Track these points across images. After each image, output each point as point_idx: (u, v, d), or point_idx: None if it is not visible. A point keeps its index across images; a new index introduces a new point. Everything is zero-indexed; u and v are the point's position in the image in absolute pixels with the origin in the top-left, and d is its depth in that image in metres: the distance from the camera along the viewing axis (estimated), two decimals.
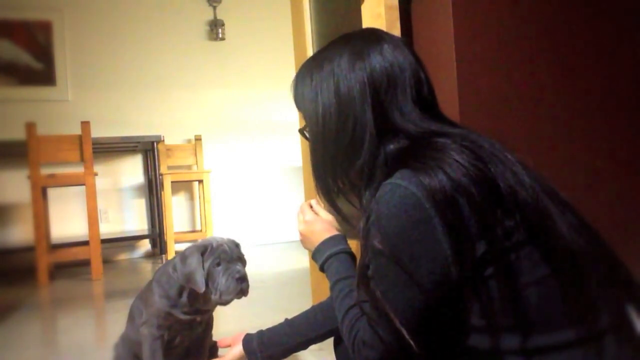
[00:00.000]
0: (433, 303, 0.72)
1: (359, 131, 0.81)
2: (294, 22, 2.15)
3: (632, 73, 1.62)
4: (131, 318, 1.43)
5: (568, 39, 1.53)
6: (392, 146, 0.80)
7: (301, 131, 0.93)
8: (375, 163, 0.81)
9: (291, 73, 2.59)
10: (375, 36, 0.86)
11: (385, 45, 0.83)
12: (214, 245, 1.30)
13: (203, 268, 1.26)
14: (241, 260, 1.32)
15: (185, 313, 1.32)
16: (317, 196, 0.95)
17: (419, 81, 0.84)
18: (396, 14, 1.52)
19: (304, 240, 1.09)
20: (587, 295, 0.70)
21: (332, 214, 1.08)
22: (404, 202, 0.71)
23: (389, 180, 0.74)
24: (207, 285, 1.26)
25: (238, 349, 1.20)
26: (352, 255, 1.01)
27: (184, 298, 1.31)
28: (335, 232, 1.05)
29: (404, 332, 0.72)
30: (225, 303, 1.30)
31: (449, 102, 1.44)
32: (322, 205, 1.11)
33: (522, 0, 1.48)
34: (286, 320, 1.22)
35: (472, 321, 0.72)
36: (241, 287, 1.27)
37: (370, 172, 0.81)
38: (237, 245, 1.34)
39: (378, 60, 0.81)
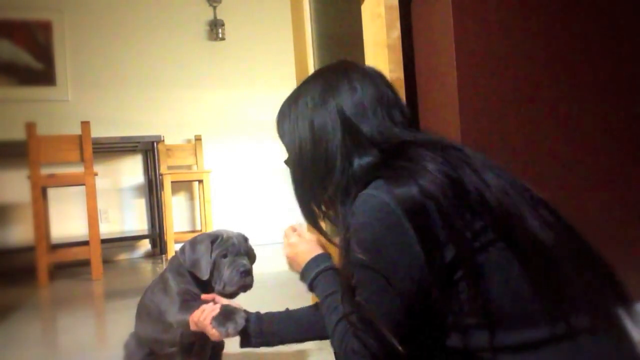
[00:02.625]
0: (412, 306, 0.76)
1: (332, 155, 0.87)
2: (294, 22, 2.15)
3: (633, 73, 1.62)
4: (143, 315, 1.42)
5: (568, 38, 1.53)
6: (366, 160, 0.85)
7: (286, 162, 1.00)
8: (349, 179, 0.86)
9: (291, 73, 2.61)
10: (344, 69, 0.93)
11: (353, 75, 0.90)
12: (224, 236, 1.32)
13: (210, 257, 1.28)
14: (249, 255, 1.36)
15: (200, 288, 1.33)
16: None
17: (388, 102, 0.90)
18: (396, 14, 1.52)
19: (291, 264, 1.14)
20: (559, 291, 0.71)
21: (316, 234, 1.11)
22: (377, 210, 0.76)
23: (363, 192, 0.79)
24: (211, 274, 1.27)
25: None
26: (338, 271, 1.04)
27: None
28: (320, 251, 1.10)
29: (390, 336, 0.76)
30: (228, 295, 1.30)
31: (449, 102, 1.44)
32: (306, 226, 1.16)
33: (522, 0, 1.48)
34: (287, 310, 1.22)
35: (449, 322, 0.75)
36: (245, 281, 1.29)
37: (346, 189, 0.86)
38: (245, 240, 1.38)
39: (346, 91, 0.89)
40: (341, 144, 0.86)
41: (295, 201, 0.98)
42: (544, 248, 0.73)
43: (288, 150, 0.96)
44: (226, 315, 1.14)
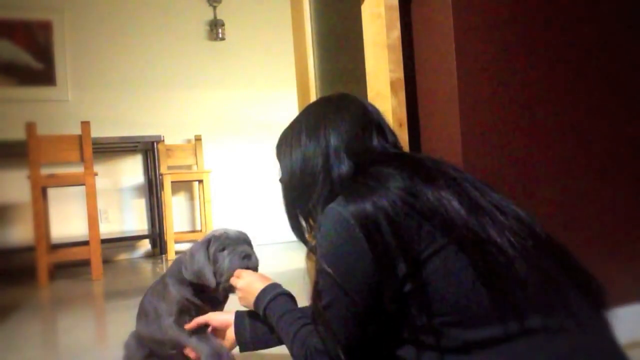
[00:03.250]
0: (364, 315, 0.84)
1: (317, 172, 0.97)
2: (294, 22, 2.15)
3: (633, 74, 1.62)
4: (143, 315, 1.42)
5: (568, 38, 1.53)
6: (342, 168, 0.95)
7: (280, 180, 1.09)
8: (329, 188, 0.95)
9: (291, 73, 2.60)
10: (335, 102, 1.04)
11: (342, 111, 1.01)
12: (217, 234, 1.32)
13: (210, 263, 1.28)
14: (248, 244, 1.34)
15: (201, 299, 1.34)
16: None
17: (371, 127, 1.00)
18: (396, 14, 1.52)
19: (244, 301, 1.22)
20: (514, 291, 0.74)
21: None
22: (336, 222, 0.84)
23: (328, 206, 0.88)
24: (214, 271, 1.28)
25: (230, 335, 1.25)
26: (286, 295, 1.17)
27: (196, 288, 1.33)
28: (267, 283, 1.20)
29: (337, 342, 0.84)
30: (231, 287, 1.29)
31: (449, 101, 1.44)
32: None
33: (521, 0, 1.48)
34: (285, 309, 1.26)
35: (403, 335, 0.81)
36: (247, 264, 1.28)
37: (326, 200, 0.93)
38: (242, 233, 1.36)
39: (336, 127, 0.99)
40: (324, 162, 0.97)
41: (287, 220, 1.08)
42: (501, 251, 0.77)
43: (282, 172, 1.06)
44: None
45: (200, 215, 4.65)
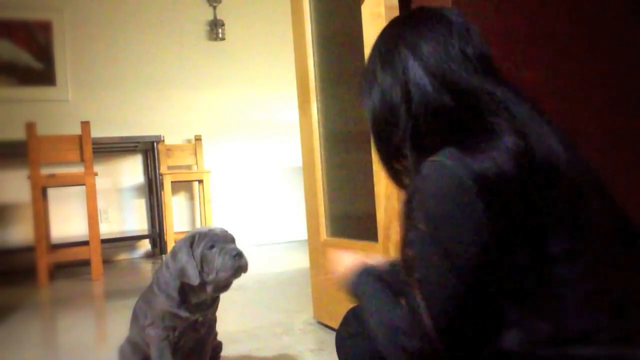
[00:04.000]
0: (470, 292, 0.70)
1: (396, 105, 0.82)
2: (294, 22, 2.15)
3: (634, 73, 1.62)
4: (135, 320, 1.43)
5: (568, 38, 1.53)
6: (426, 100, 0.78)
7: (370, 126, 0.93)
8: (414, 124, 0.79)
9: (291, 73, 2.60)
10: (418, 19, 0.86)
11: (421, 27, 0.84)
12: (202, 231, 1.30)
13: (194, 259, 1.26)
14: (234, 242, 1.32)
15: (187, 310, 1.32)
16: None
17: (457, 45, 0.82)
18: (396, 14, 1.51)
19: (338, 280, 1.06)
20: (613, 280, 0.68)
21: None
22: (451, 184, 0.69)
23: (435, 158, 0.72)
24: (202, 269, 1.26)
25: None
26: (375, 277, 0.97)
27: (182, 295, 1.31)
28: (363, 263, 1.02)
29: (433, 322, 0.70)
30: (224, 284, 1.29)
31: None
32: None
33: (521, 0, 1.48)
34: None
35: (509, 317, 0.69)
36: (239, 264, 1.26)
37: (415, 134, 0.79)
38: (227, 231, 1.34)
39: (411, 51, 0.82)
40: (402, 92, 0.80)
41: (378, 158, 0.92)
42: (604, 233, 0.69)
43: (366, 113, 0.91)
44: None
45: (200, 215, 4.65)
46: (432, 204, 0.70)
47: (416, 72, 0.80)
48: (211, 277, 1.27)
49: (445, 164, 0.70)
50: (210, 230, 1.31)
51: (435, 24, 0.83)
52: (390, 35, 0.87)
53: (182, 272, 1.28)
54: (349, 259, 1.05)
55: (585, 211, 0.70)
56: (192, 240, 1.29)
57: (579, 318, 0.66)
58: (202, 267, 1.27)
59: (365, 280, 0.94)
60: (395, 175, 0.90)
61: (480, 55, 0.83)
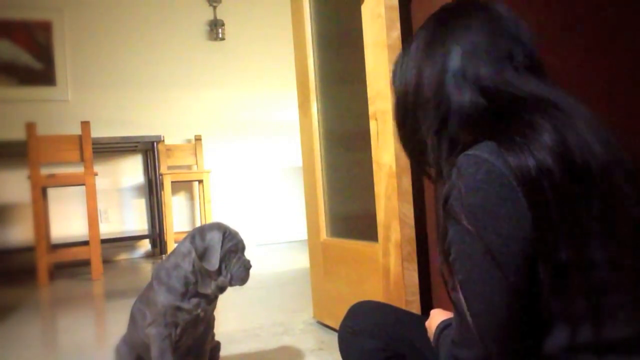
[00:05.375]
0: (518, 291, 0.67)
1: (430, 98, 0.80)
2: (294, 22, 2.15)
3: (634, 72, 1.62)
4: (132, 320, 1.42)
5: (568, 39, 1.53)
6: (465, 97, 0.76)
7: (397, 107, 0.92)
8: (442, 120, 0.78)
9: (291, 73, 2.60)
10: (462, 9, 0.84)
11: (470, 19, 0.81)
12: (232, 230, 1.35)
13: (221, 249, 1.30)
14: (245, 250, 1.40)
15: (191, 298, 1.33)
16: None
17: (505, 45, 0.80)
18: (396, 14, 1.51)
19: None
20: None
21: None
22: (491, 177, 0.67)
23: (471, 152, 0.70)
24: (219, 267, 1.30)
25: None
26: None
27: (190, 276, 1.32)
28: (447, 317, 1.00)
29: (477, 325, 0.69)
30: (226, 287, 1.34)
31: None
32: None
33: (521, 0, 1.48)
34: None
35: (555, 313, 0.67)
36: (248, 275, 1.34)
37: (443, 129, 0.78)
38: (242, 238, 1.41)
39: (472, 39, 0.79)
40: (437, 87, 0.79)
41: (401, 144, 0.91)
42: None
43: (397, 94, 0.88)
44: None
45: (200, 215, 4.65)
46: (472, 197, 0.68)
47: (456, 68, 0.78)
48: (222, 278, 1.31)
49: (483, 157, 0.68)
50: (237, 234, 1.36)
51: (484, 17, 0.81)
52: (441, 19, 0.84)
53: (205, 253, 1.30)
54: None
55: (623, 215, 0.69)
56: (225, 232, 1.33)
57: (621, 326, 0.65)
58: (221, 263, 1.31)
59: (441, 327, 0.91)
60: (420, 165, 0.89)
61: (528, 53, 0.81)
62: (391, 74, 0.91)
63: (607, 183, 0.69)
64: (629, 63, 1.62)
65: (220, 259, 1.30)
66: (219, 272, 1.30)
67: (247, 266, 1.33)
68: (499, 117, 0.74)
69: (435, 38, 0.82)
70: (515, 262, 0.66)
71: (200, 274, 1.31)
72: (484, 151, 0.69)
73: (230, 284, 1.32)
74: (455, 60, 0.78)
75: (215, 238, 1.31)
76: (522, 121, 0.71)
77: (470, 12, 0.82)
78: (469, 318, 0.69)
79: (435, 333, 0.92)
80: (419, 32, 0.86)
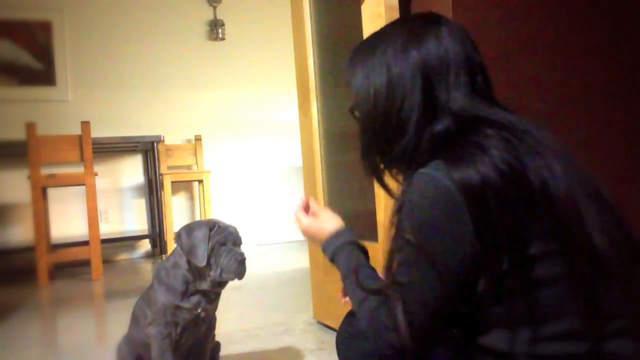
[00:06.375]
0: (450, 300, 0.73)
1: (407, 112, 0.81)
2: (294, 22, 2.15)
3: (634, 71, 1.62)
4: (134, 320, 1.43)
5: (568, 37, 1.53)
6: (438, 127, 0.79)
7: (350, 111, 0.93)
8: (419, 143, 0.80)
9: (291, 73, 2.60)
10: (433, 21, 0.85)
11: (442, 28, 0.83)
12: (221, 225, 1.33)
13: (207, 244, 1.29)
14: (241, 243, 1.37)
15: (191, 296, 1.32)
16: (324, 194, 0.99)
17: (473, 67, 0.83)
18: (396, 14, 1.51)
19: (311, 239, 1.11)
20: (605, 311, 0.69)
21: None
22: (437, 193, 0.72)
23: (422, 170, 0.75)
24: (208, 261, 1.28)
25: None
26: (357, 245, 1.02)
27: (187, 274, 1.31)
28: (337, 225, 1.05)
29: (410, 326, 0.74)
30: (223, 282, 1.32)
31: None
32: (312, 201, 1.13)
33: (521, 0, 1.48)
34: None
35: (492, 318, 0.73)
36: (241, 269, 1.31)
37: (413, 153, 0.81)
38: (236, 230, 1.38)
39: (432, 44, 0.81)
40: (418, 106, 0.80)
41: (360, 152, 0.91)
42: (596, 253, 0.70)
43: (358, 97, 0.88)
44: None
45: (200, 215, 4.64)
46: (419, 213, 0.73)
47: (427, 93, 0.80)
48: (213, 272, 1.29)
49: (431, 175, 0.73)
50: (227, 227, 1.34)
51: (441, 36, 0.82)
52: (395, 38, 0.84)
53: (192, 249, 1.29)
54: (321, 219, 1.07)
55: (570, 220, 0.71)
56: (212, 226, 1.32)
57: (555, 317, 0.69)
58: (209, 258, 1.29)
59: (342, 247, 0.99)
60: (376, 171, 0.91)
61: (485, 78, 0.85)
62: (347, 79, 0.91)
63: (568, 202, 0.71)
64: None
65: (209, 254, 1.29)
66: (208, 266, 1.29)
67: (238, 258, 1.29)
68: (453, 138, 0.78)
69: (409, 43, 0.82)
70: (455, 274, 0.72)
71: (197, 270, 1.31)
72: (433, 169, 0.74)
73: (221, 278, 1.29)
74: (425, 84, 0.80)
75: (200, 233, 1.30)
76: (473, 141, 0.75)
77: (440, 29, 0.83)
78: (400, 317, 0.75)
79: (332, 243, 1.00)
80: (387, 35, 0.86)
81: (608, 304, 0.70)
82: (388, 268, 0.80)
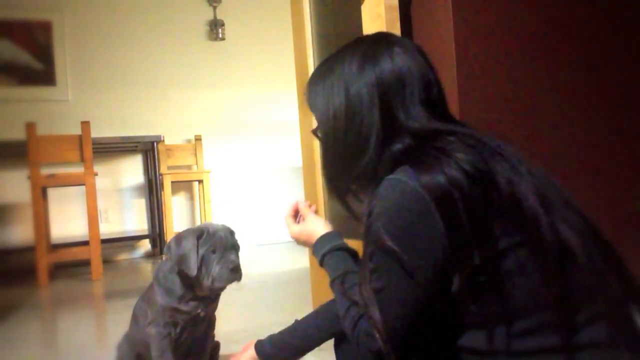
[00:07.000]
0: (426, 301, 0.74)
1: (366, 131, 0.83)
2: (294, 22, 2.15)
3: (632, 73, 1.62)
4: (135, 319, 1.43)
5: (567, 38, 1.53)
6: (397, 146, 0.82)
7: (314, 132, 0.95)
8: (379, 162, 0.83)
9: (291, 73, 2.61)
10: (386, 40, 0.88)
11: (395, 48, 0.85)
12: (210, 231, 1.31)
13: (197, 253, 1.27)
14: (235, 248, 1.33)
15: (189, 301, 1.32)
16: (321, 197, 1.00)
17: (428, 83, 0.85)
18: (396, 14, 1.51)
19: (301, 242, 1.14)
20: (577, 302, 0.70)
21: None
22: (406, 196, 0.73)
23: (390, 176, 0.76)
24: (199, 270, 1.27)
25: (250, 354, 1.20)
26: (345, 249, 1.04)
27: (183, 287, 1.31)
28: (325, 230, 1.08)
29: (386, 331, 0.75)
30: (218, 290, 1.32)
31: (449, 102, 1.44)
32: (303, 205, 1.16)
33: (521, 0, 1.48)
34: (296, 321, 1.22)
35: (467, 320, 0.74)
36: (235, 276, 1.29)
37: (375, 171, 0.83)
38: (232, 233, 1.35)
39: (387, 63, 0.84)
40: (377, 125, 0.82)
41: (322, 172, 0.94)
42: (567, 253, 0.72)
43: (319, 119, 0.90)
44: None
45: (200, 215, 4.65)
46: (390, 217, 0.74)
47: (386, 112, 0.82)
48: (206, 280, 1.28)
49: (399, 179, 0.74)
50: (217, 232, 1.31)
51: (394, 55, 0.84)
52: (351, 58, 0.86)
53: (182, 259, 1.28)
54: (310, 223, 1.11)
55: (537, 214, 0.73)
56: (201, 234, 1.30)
57: (530, 311, 0.70)
58: (200, 266, 1.28)
59: (330, 252, 1.01)
60: (340, 192, 0.93)
61: (441, 94, 0.88)
62: (308, 101, 0.93)
63: (535, 197, 0.73)
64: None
65: (199, 263, 1.27)
66: (200, 276, 1.28)
67: (229, 266, 1.27)
68: (417, 150, 0.80)
69: (365, 62, 0.84)
70: (427, 272, 0.73)
71: (190, 279, 1.30)
72: (400, 174, 0.75)
73: (214, 286, 1.28)
74: (382, 103, 0.82)
75: (188, 245, 1.28)
76: (436, 147, 0.77)
77: (394, 48, 0.85)
78: (375, 323, 0.76)
79: (321, 246, 1.02)
80: (342, 56, 0.88)
81: (579, 292, 0.71)
82: (363, 279, 0.81)
